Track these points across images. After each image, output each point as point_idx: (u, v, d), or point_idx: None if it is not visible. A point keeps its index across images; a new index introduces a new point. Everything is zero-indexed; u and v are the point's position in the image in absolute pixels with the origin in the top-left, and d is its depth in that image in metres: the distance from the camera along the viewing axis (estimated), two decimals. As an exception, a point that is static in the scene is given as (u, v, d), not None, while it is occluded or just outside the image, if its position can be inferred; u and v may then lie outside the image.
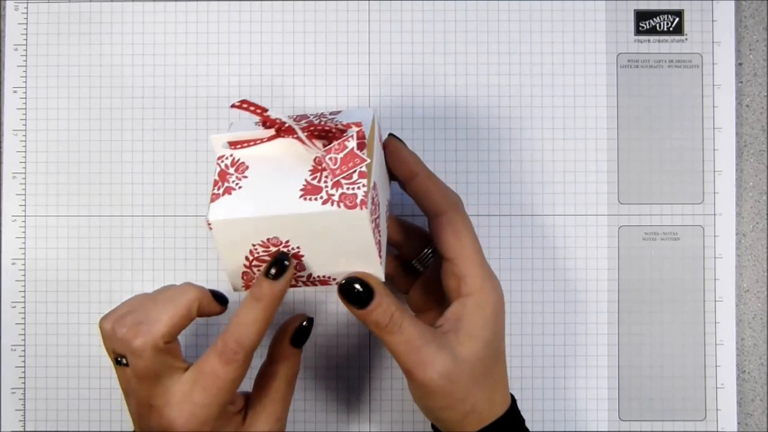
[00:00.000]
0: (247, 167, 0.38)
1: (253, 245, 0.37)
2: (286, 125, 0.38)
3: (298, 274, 0.39)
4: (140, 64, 0.50)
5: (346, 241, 0.37)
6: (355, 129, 0.37)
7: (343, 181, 0.36)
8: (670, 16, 0.50)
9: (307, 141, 0.37)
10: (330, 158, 0.36)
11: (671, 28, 0.50)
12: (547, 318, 0.50)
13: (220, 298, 0.41)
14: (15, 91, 0.50)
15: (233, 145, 0.39)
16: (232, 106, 0.39)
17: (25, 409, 0.50)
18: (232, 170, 0.38)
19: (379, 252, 0.38)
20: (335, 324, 0.50)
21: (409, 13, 0.50)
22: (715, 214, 0.50)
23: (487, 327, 0.39)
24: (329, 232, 0.36)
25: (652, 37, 0.50)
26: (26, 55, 0.50)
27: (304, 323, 0.42)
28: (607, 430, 0.50)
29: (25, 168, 0.50)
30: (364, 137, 0.37)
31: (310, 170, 0.37)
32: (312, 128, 0.37)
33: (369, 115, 0.39)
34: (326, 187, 0.36)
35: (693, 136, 0.50)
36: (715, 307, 0.50)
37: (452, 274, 0.40)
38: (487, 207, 0.50)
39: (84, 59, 0.50)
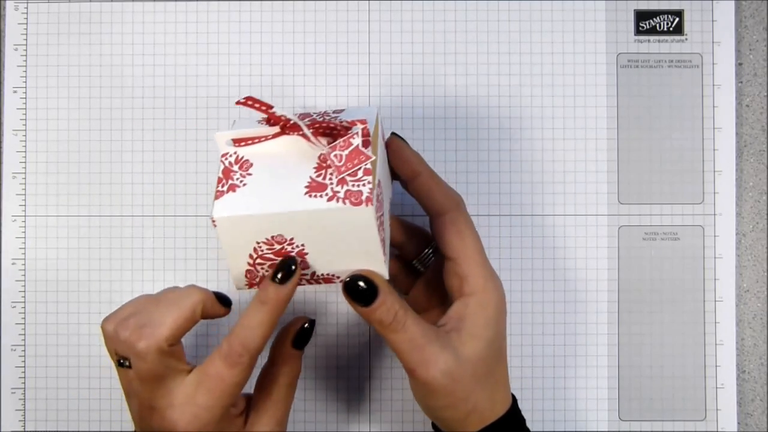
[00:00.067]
0: (251, 165, 0.38)
1: (258, 243, 0.37)
2: (291, 122, 0.38)
3: (302, 272, 0.39)
4: (140, 64, 0.50)
5: (351, 239, 0.37)
6: (360, 126, 0.37)
7: (348, 178, 0.36)
8: (670, 16, 0.50)
9: (312, 138, 0.37)
10: (335, 155, 0.36)
11: (671, 28, 0.50)
12: (547, 318, 0.50)
13: (223, 300, 0.41)
14: (15, 91, 0.50)
15: (237, 142, 0.39)
16: (237, 102, 0.38)
17: (25, 409, 0.50)
18: (236, 168, 0.38)
19: (384, 250, 0.38)
20: (335, 324, 0.50)
21: (409, 13, 0.50)
22: (715, 214, 0.50)
23: (489, 327, 0.39)
24: (334, 229, 0.36)
25: (652, 37, 0.50)
26: (26, 55, 0.50)
27: (306, 325, 0.42)
28: (607, 430, 0.50)
29: (25, 168, 0.50)
30: (369, 134, 0.37)
31: (314, 167, 0.37)
32: (317, 125, 0.37)
33: (373, 113, 0.39)
34: (331, 184, 0.36)
35: (693, 136, 0.50)
36: (715, 307, 0.50)
37: (455, 274, 0.40)
38: (487, 207, 0.50)
39: (84, 59, 0.50)
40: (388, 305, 0.38)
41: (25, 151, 0.50)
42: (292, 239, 0.37)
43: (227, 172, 0.38)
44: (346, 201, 0.35)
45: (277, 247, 0.37)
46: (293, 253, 0.37)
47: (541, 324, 0.50)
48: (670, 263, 0.50)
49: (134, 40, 0.50)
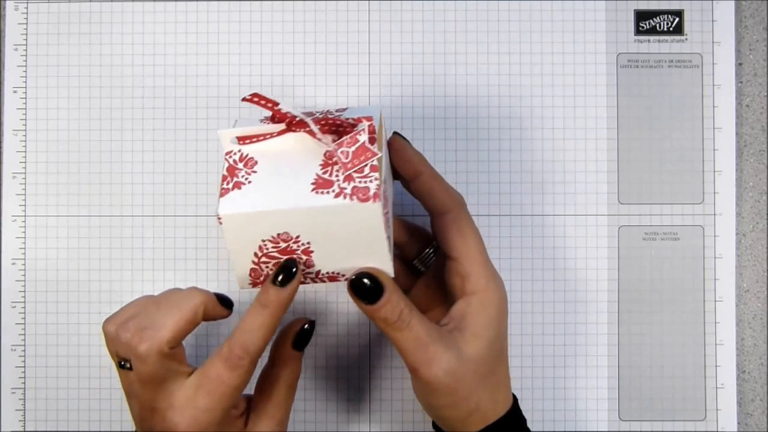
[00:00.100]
0: (256, 162, 0.38)
1: (263, 241, 0.37)
2: (298, 119, 0.38)
3: (307, 270, 0.39)
4: (140, 64, 0.50)
5: (357, 236, 0.37)
6: (366, 123, 0.37)
7: (355, 175, 0.36)
8: (670, 16, 0.50)
9: (319, 134, 0.37)
10: (342, 152, 0.36)
11: (671, 28, 0.50)
12: (547, 318, 0.50)
13: (225, 302, 0.41)
14: (15, 91, 0.50)
15: (242, 140, 0.38)
16: (244, 99, 0.38)
17: (25, 409, 0.50)
18: (240, 165, 0.38)
19: (389, 247, 0.38)
20: (335, 324, 0.50)
21: (409, 13, 0.50)
22: (715, 214, 0.50)
23: (491, 326, 0.39)
24: (341, 226, 0.36)
25: (652, 37, 0.50)
26: (26, 55, 0.50)
27: (306, 326, 0.42)
28: (607, 430, 0.50)
29: (25, 168, 0.50)
30: (374, 131, 0.37)
31: (320, 164, 0.37)
32: (323, 122, 0.37)
33: (376, 112, 0.39)
34: (338, 180, 0.36)
35: (693, 136, 0.50)
36: (715, 307, 0.50)
37: (457, 273, 0.40)
38: (487, 207, 0.50)
39: (84, 59, 0.50)
40: (394, 303, 0.38)
41: (25, 151, 0.50)
42: (297, 237, 0.37)
43: (232, 170, 0.37)
44: (354, 197, 0.35)
45: (283, 245, 0.37)
46: (299, 251, 0.37)
47: (541, 324, 0.50)
48: (670, 263, 0.50)
49: (134, 40, 0.50)
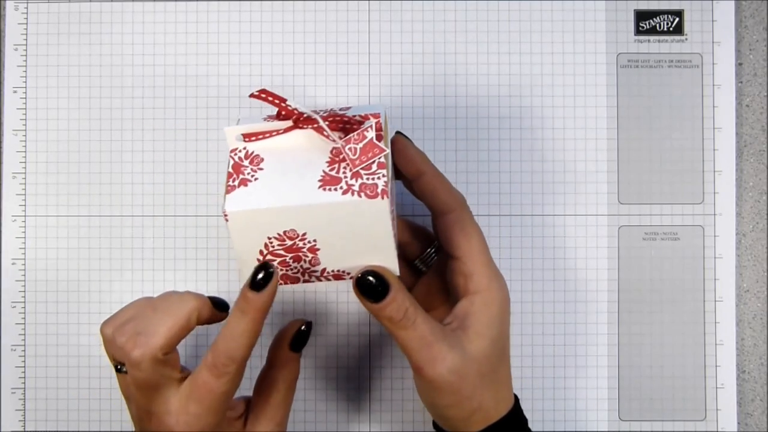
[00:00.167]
0: (262, 159, 0.37)
1: (269, 238, 0.37)
2: (305, 115, 0.38)
3: (312, 269, 0.38)
4: (140, 64, 0.50)
5: (364, 233, 0.36)
6: (373, 120, 0.37)
7: (363, 172, 0.36)
8: (670, 16, 0.50)
9: (328, 130, 0.37)
10: (349, 148, 0.36)
11: (671, 28, 0.50)
12: (547, 318, 0.50)
13: (220, 305, 0.40)
14: (15, 91, 0.50)
15: (247, 137, 0.38)
16: (251, 95, 0.38)
17: (25, 409, 0.50)
18: (246, 163, 0.37)
19: (395, 245, 0.38)
20: (335, 324, 0.50)
21: (409, 13, 0.50)
22: (715, 214, 0.50)
23: (494, 325, 0.39)
24: (348, 223, 0.36)
25: (652, 37, 0.50)
26: (26, 55, 0.50)
27: (303, 328, 0.42)
28: (607, 430, 0.50)
29: (25, 168, 0.50)
30: (381, 128, 0.37)
31: (327, 161, 0.37)
32: (331, 119, 0.37)
33: (381, 110, 0.39)
34: (345, 177, 0.36)
35: (693, 136, 0.50)
36: (715, 307, 0.50)
37: (460, 273, 0.40)
38: (487, 207, 0.50)
39: (84, 59, 0.50)
40: (399, 302, 0.38)
41: (25, 151, 0.50)
42: (304, 234, 0.36)
43: (237, 167, 0.37)
44: (362, 194, 0.35)
45: (289, 242, 0.37)
46: (305, 249, 0.37)
47: (541, 324, 0.50)
48: (670, 263, 0.50)
49: (134, 40, 0.50)
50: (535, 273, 0.50)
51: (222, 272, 0.50)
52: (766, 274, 0.50)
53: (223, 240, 0.50)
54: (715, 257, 0.50)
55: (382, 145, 0.36)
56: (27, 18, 0.50)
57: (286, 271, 0.38)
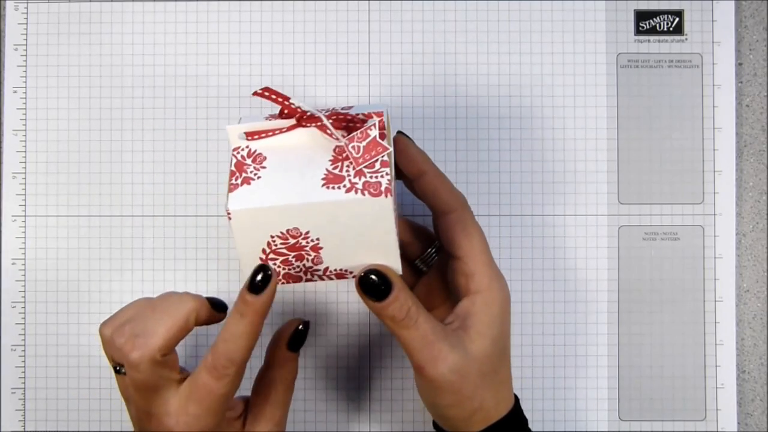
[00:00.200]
0: (265, 158, 0.37)
1: (272, 237, 0.37)
2: (308, 114, 0.38)
3: (315, 267, 0.38)
4: (140, 64, 0.50)
5: (367, 232, 0.36)
6: (376, 118, 0.37)
7: (366, 170, 0.36)
8: (670, 16, 0.50)
9: (331, 128, 0.37)
10: (353, 147, 0.36)
11: (671, 28, 0.50)
12: (547, 318, 0.50)
13: (218, 306, 0.40)
14: (15, 91, 0.50)
15: (250, 135, 0.38)
16: (255, 93, 0.38)
17: (25, 409, 0.50)
18: (249, 161, 0.37)
19: (398, 244, 0.38)
20: (335, 324, 0.50)
21: (409, 13, 0.50)
22: (715, 214, 0.50)
23: (494, 325, 0.39)
24: (351, 221, 0.36)
25: (652, 37, 0.50)
26: (26, 55, 0.50)
27: (300, 327, 0.42)
28: (607, 430, 0.50)
29: (25, 168, 0.50)
30: (384, 127, 0.37)
31: (330, 160, 0.37)
32: (335, 117, 0.37)
33: (383, 109, 0.39)
34: (349, 175, 0.36)
35: (693, 136, 0.50)
36: (715, 307, 0.50)
37: (461, 272, 0.40)
38: (487, 207, 0.50)
39: (84, 59, 0.50)
40: (402, 301, 0.38)
41: (25, 151, 0.50)
42: (307, 233, 0.36)
43: (240, 166, 0.37)
44: (365, 192, 0.35)
45: (292, 241, 0.37)
46: (308, 248, 0.37)
47: (541, 324, 0.50)
48: (670, 263, 0.50)
49: (134, 40, 0.50)
50: (535, 273, 0.50)
51: (222, 272, 0.50)
52: (766, 274, 0.50)
53: (223, 240, 0.50)
54: (715, 257, 0.50)
55: (385, 143, 0.36)
56: (27, 18, 0.50)
57: (289, 270, 0.38)
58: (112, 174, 0.50)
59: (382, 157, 0.36)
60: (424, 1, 0.50)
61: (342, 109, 0.40)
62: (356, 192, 0.35)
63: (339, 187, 0.35)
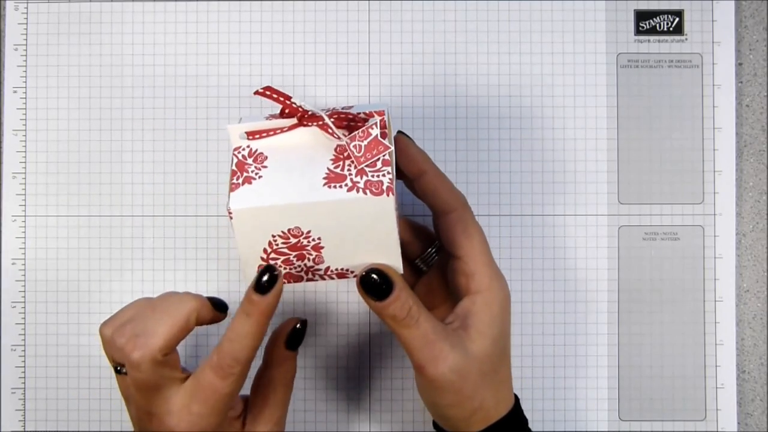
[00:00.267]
0: (266, 157, 0.37)
1: (273, 236, 0.37)
2: (310, 113, 0.38)
3: (316, 267, 0.38)
4: (140, 64, 0.50)
5: (369, 231, 0.36)
6: (378, 117, 0.37)
7: (368, 169, 0.36)
8: (670, 16, 0.50)
9: (333, 127, 0.37)
10: (354, 146, 0.36)
11: (671, 28, 0.50)
12: (547, 318, 0.50)
13: (219, 306, 0.40)
14: (15, 91, 0.50)
15: (251, 135, 0.38)
16: (256, 92, 0.38)
17: (25, 409, 0.50)
18: (250, 161, 0.37)
19: (399, 243, 0.38)
20: (335, 324, 0.50)
21: (409, 13, 0.50)
22: (715, 214, 0.50)
23: (495, 324, 0.39)
24: (353, 220, 0.36)
25: (652, 37, 0.50)
26: (26, 55, 0.50)
27: (298, 326, 0.42)
28: (607, 430, 0.50)
29: (25, 168, 0.50)
30: (386, 125, 0.37)
31: (331, 159, 0.37)
32: (336, 116, 0.37)
33: (384, 108, 0.39)
34: (350, 174, 0.36)
35: (693, 136, 0.50)
36: (715, 307, 0.50)
37: (461, 272, 0.40)
38: (487, 207, 0.50)
39: (84, 59, 0.50)
40: (403, 300, 0.38)
41: (25, 151, 0.50)
42: (308, 232, 0.36)
43: (241, 165, 0.37)
44: (367, 191, 0.35)
45: (293, 240, 0.37)
46: (309, 247, 0.37)
47: (541, 324, 0.50)
48: (670, 263, 0.50)
49: (134, 40, 0.50)
50: (535, 273, 0.50)
51: (222, 272, 0.50)
52: (766, 274, 0.50)
53: (223, 240, 0.50)
54: (715, 257, 0.50)
55: (386, 142, 0.36)
56: (27, 18, 0.50)
57: (290, 269, 0.38)
58: (112, 174, 0.50)
59: (384, 156, 0.36)
60: (424, 1, 0.50)
61: (342, 108, 0.40)
62: (358, 191, 0.35)
63: (340, 186, 0.35)
